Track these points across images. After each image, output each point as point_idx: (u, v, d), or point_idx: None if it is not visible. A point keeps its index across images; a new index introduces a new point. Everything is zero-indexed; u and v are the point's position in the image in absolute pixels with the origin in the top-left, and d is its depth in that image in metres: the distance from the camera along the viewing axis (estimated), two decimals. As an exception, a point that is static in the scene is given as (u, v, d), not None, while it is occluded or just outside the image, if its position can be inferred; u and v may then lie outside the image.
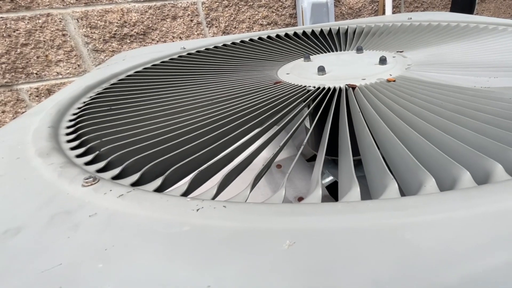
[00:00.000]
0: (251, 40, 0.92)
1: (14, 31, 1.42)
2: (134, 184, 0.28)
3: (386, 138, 0.33)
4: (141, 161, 0.31)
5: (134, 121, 0.42)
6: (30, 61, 1.51)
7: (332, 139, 0.41)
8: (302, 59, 0.69)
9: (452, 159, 0.26)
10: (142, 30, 1.59)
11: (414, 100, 0.41)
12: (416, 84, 0.48)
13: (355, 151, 0.34)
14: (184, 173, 0.31)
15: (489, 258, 0.17)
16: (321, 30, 0.96)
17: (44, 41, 1.48)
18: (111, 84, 0.62)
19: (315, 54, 0.75)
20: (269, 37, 0.93)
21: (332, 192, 0.61)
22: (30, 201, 0.25)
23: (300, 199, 0.63)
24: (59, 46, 1.51)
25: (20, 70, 1.50)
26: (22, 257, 0.19)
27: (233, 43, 0.90)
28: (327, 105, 0.46)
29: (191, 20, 1.63)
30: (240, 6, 1.66)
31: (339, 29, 0.96)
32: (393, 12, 1.82)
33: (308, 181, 0.66)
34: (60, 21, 1.47)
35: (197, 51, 0.85)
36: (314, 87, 0.51)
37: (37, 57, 1.51)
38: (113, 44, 1.58)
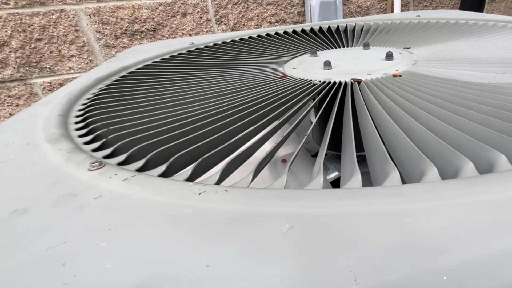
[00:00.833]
0: (258, 36, 0.92)
1: (28, 26, 1.45)
2: (139, 170, 0.28)
3: (389, 130, 0.33)
4: (147, 148, 0.32)
5: (141, 111, 0.43)
6: (43, 55, 1.53)
7: (337, 135, 0.41)
8: (309, 54, 0.69)
9: (456, 149, 0.26)
10: (152, 26, 1.60)
11: (419, 94, 0.41)
12: (422, 79, 0.47)
13: (360, 147, 0.34)
14: (188, 160, 0.32)
15: (489, 245, 0.17)
16: (329, 27, 0.96)
17: (57, 36, 1.51)
18: (121, 77, 0.63)
19: (322, 50, 0.75)
20: (276, 33, 0.93)
21: (336, 187, 0.61)
22: (37, 183, 0.26)
23: (305, 194, 0.63)
24: (72, 41, 1.54)
25: (34, 64, 1.53)
26: (28, 235, 0.20)
27: (241, 38, 0.91)
28: (332, 99, 0.46)
29: (201, 17, 1.64)
30: (249, 4, 1.66)
31: (346, 26, 0.96)
32: (402, 11, 1.80)
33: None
34: (73, 17, 1.49)
35: (206, 46, 0.86)
36: (320, 81, 0.51)
37: (51, 52, 1.54)
38: (124, 40, 1.60)
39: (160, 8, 1.57)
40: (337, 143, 0.43)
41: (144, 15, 1.57)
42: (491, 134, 0.29)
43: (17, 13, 1.42)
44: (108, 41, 1.58)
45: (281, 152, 0.71)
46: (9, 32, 1.43)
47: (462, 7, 1.77)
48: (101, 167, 0.27)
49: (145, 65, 0.71)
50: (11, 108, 1.59)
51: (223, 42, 0.89)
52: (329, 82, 0.50)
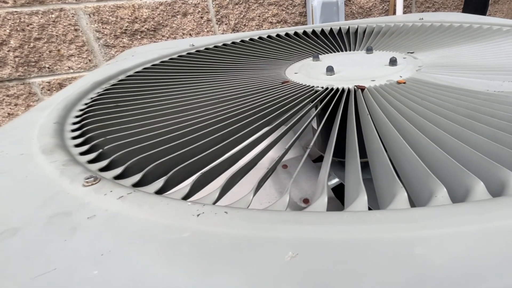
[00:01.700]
0: (260, 38, 0.91)
1: (27, 25, 1.44)
2: (136, 185, 0.27)
3: (395, 143, 0.32)
4: (144, 160, 0.31)
5: (139, 119, 0.42)
6: (42, 55, 1.52)
7: (339, 141, 0.40)
8: (311, 58, 0.68)
9: (465, 167, 0.25)
10: (152, 26, 1.59)
11: (424, 104, 0.40)
12: (427, 87, 0.46)
13: (363, 153, 0.33)
14: (187, 173, 0.31)
15: (506, 279, 0.16)
16: (331, 29, 0.95)
17: (56, 35, 1.50)
18: (119, 80, 0.62)
19: (324, 53, 0.74)
20: (278, 35, 0.92)
21: (338, 195, 0.60)
22: (29, 200, 0.25)
23: (306, 200, 0.62)
24: (71, 41, 1.53)
25: (33, 64, 1.52)
26: (16, 260, 0.19)
27: (241, 41, 0.89)
28: (335, 106, 0.44)
29: (201, 17, 1.62)
30: (250, 4, 1.65)
31: (349, 29, 0.95)
32: (404, 12, 1.78)
33: (314, 182, 0.65)
34: (72, 16, 1.48)
35: (206, 49, 0.85)
36: (322, 87, 0.50)
37: (50, 52, 1.52)
38: (124, 39, 1.59)
39: (160, 7, 1.56)
40: (340, 150, 0.42)
41: (144, 15, 1.56)
42: (500, 150, 0.28)
43: (16, 12, 1.40)
44: (108, 40, 1.56)
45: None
46: (7, 31, 1.42)
47: (465, 9, 1.76)
48: (96, 183, 0.26)
49: (144, 68, 0.69)
50: (10, 108, 1.58)
51: (224, 44, 0.88)
52: (332, 89, 0.49)
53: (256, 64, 0.69)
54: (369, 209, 0.22)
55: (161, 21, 1.59)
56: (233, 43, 0.89)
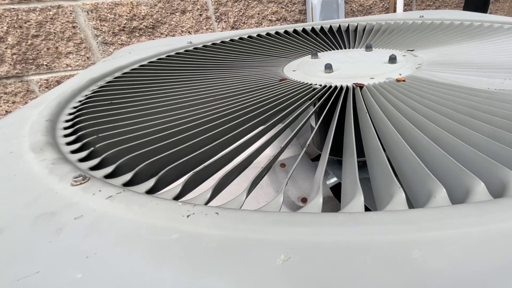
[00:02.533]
0: (258, 35, 0.90)
1: (25, 22, 1.43)
2: (126, 184, 0.27)
3: (393, 142, 0.31)
4: (136, 159, 0.30)
5: (133, 117, 0.41)
6: (40, 52, 1.51)
7: (337, 139, 0.39)
8: (309, 56, 0.67)
9: (465, 166, 0.24)
10: (151, 23, 1.58)
11: (424, 102, 0.39)
12: (426, 85, 0.46)
13: (360, 152, 0.32)
14: (180, 173, 0.30)
15: (507, 284, 0.15)
16: (330, 26, 0.94)
17: (54, 33, 1.49)
18: (115, 78, 0.61)
19: (323, 51, 0.73)
20: (277, 33, 0.91)
21: (337, 193, 0.59)
22: (16, 200, 0.24)
23: (304, 199, 0.62)
24: (69, 38, 1.52)
25: (31, 61, 1.51)
26: (0, 261, 0.18)
27: (240, 38, 0.89)
28: (333, 104, 0.44)
29: (200, 15, 1.61)
30: (250, 1, 1.64)
31: (348, 26, 0.94)
32: (404, 10, 1.77)
33: (312, 181, 0.64)
34: (70, 13, 1.47)
35: (204, 46, 0.84)
36: (321, 85, 0.49)
37: (47, 49, 1.51)
38: (122, 37, 1.58)
39: (159, 5, 1.54)
40: (338, 148, 0.42)
41: (142, 12, 1.54)
42: (501, 149, 0.27)
43: (13, 9, 1.39)
44: (106, 38, 1.55)
45: (280, 156, 0.70)
46: (5, 28, 1.41)
47: (466, 7, 1.74)
48: (84, 182, 0.25)
49: (141, 66, 0.69)
50: (7, 105, 1.57)
51: (222, 42, 0.87)
52: (330, 87, 0.48)
53: (254, 62, 0.68)
54: (367, 209, 0.21)
55: (159, 19, 1.58)
56: (231, 40, 0.88)
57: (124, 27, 1.55)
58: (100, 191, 0.24)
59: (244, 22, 1.68)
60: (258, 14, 1.68)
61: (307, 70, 0.57)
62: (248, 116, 0.39)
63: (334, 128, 0.36)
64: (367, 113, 0.38)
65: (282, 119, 0.40)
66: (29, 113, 0.44)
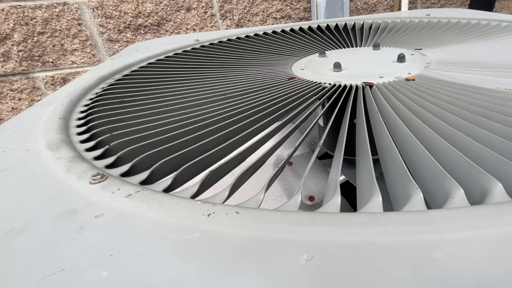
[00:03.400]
0: (264, 33, 0.90)
1: (31, 19, 1.43)
2: (143, 182, 0.27)
3: (407, 142, 0.31)
4: (151, 157, 0.31)
5: (145, 115, 0.41)
6: (46, 49, 1.52)
7: (347, 139, 0.39)
8: (317, 54, 0.67)
9: (480, 167, 0.24)
10: (156, 21, 1.58)
11: (435, 101, 0.39)
12: (436, 84, 0.45)
13: (372, 150, 0.32)
14: (195, 171, 0.30)
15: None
16: (336, 25, 0.93)
17: (60, 30, 1.49)
18: (124, 75, 0.61)
19: (330, 49, 0.73)
20: (283, 30, 0.91)
21: (343, 193, 0.60)
22: (36, 198, 0.25)
23: (311, 198, 0.62)
24: (75, 35, 1.52)
25: (37, 58, 1.52)
26: (24, 260, 0.19)
27: (246, 36, 0.88)
28: (343, 104, 0.44)
29: (205, 12, 1.61)
30: (255, -1, 1.63)
31: (354, 24, 0.93)
32: (409, 8, 1.76)
33: (319, 179, 0.65)
34: (76, 10, 1.47)
35: (210, 44, 0.84)
36: (330, 84, 0.49)
37: (53, 46, 1.52)
38: (128, 34, 1.58)
39: (164, 2, 1.54)
40: (347, 147, 0.42)
41: (148, 9, 1.54)
42: (516, 149, 0.27)
43: (19, 5, 1.40)
44: (112, 35, 1.56)
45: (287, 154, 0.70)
46: (11, 25, 1.41)
47: (472, 5, 1.73)
48: (103, 180, 0.25)
49: (149, 63, 0.69)
50: (14, 102, 1.58)
51: (228, 40, 0.87)
52: (340, 86, 0.48)
53: (262, 60, 0.68)
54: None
55: (164, 16, 1.58)
56: (238, 38, 0.88)
57: (129, 24, 1.55)
58: (118, 189, 0.24)
59: (248, 19, 1.68)
60: (263, 11, 1.67)
61: (316, 69, 0.57)
62: (260, 115, 0.39)
63: (347, 128, 0.36)
64: (379, 112, 0.38)
65: (292, 119, 0.40)
66: (41, 111, 0.44)
